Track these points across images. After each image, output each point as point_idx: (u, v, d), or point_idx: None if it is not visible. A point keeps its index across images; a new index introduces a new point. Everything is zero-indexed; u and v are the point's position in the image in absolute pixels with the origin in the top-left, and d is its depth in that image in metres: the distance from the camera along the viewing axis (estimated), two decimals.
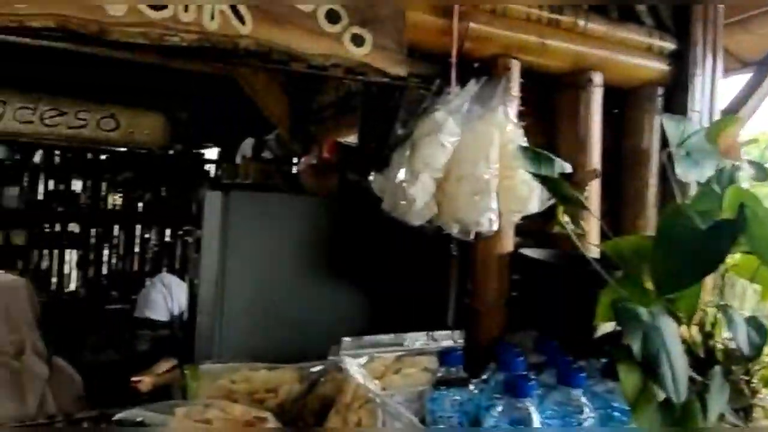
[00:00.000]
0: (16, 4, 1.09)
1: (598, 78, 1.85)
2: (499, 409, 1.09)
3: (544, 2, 1.73)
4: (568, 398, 1.15)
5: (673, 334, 1.07)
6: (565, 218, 1.39)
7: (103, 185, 5.81)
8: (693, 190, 1.53)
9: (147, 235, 6.00)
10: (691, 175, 1.36)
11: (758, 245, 1.08)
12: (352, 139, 2.89)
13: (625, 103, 2.01)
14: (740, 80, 2.29)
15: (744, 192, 1.16)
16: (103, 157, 5.69)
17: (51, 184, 5.67)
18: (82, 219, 5.70)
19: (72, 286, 5.78)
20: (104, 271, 5.86)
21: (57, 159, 5.63)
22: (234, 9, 1.31)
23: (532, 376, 1.17)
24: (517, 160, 1.46)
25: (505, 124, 1.56)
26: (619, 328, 1.15)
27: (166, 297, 3.59)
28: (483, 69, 1.69)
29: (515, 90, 1.70)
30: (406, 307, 1.76)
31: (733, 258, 1.28)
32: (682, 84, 1.97)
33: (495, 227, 1.52)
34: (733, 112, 2.13)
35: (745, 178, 1.37)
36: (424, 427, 1.17)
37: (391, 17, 1.50)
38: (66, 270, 5.79)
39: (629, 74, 1.95)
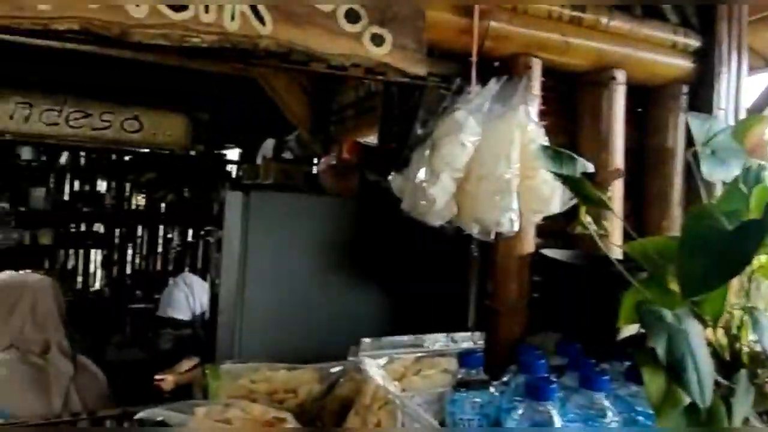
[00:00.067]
0: (40, 7, 1.11)
1: (621, 76, 1.82)
2: (520, 411, 1.08)
3: (567, 1, 1.71)
4: (591, 402, 1.13)
5: (698, 337, 1.04)
6: (587, 218, 1.37)
7: (127, 186, 5.90)
8: (719, 190, 1.50)
9: (170, 235, 6.08)
10: (717, 174, 1.33)
11: None
12: (372, 139, 2.89)
13: (648, 101, 1.98)
14: (764, 79, 2.25)
15: None
16: (126, 158, 5.77)
17: (76, 185, 5.77)
18: (107, 219, 5.80)
19: (97, 286, 5.87)
20: (128, 270, 5.95)
21: (82, 160, 5.73)
22: (254, 10, 1.32)
23: (554, 379, 1.15)
24: (538, 159, 1.44)
25: (526, 124, 1.54)
26: (643, 330, 1.12)
27: (188, 296, 3.63)
28: (503, 68, 1.68)
29: (536, 89, 1.68)
30: (425, 308, 1.75)
31: (760, 259, 1.25)
32: (707, 82, 1.93)
33: (516, 227, 1.50)
34: (757, 111, 2.09)
35: None
36: (444, 428, 1.16)
37: (411, 16, 1.49)
38: (91, 269, 5.89)
39: (653, 72, 1.91)
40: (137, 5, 1.19)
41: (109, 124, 4.80)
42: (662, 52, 1.89)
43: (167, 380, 3.03)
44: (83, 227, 5.79)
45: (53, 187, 5.59)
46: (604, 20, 1.76)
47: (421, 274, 1.83)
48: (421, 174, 1.49)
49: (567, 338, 1.46)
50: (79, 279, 5.78)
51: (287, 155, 3.86)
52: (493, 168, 1.48)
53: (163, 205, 5.94)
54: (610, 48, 1.79)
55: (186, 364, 3.15)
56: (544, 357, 1.27)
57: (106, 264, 5.88)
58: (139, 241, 6.01)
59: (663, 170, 1.94)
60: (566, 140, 1.78)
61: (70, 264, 5.78)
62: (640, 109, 1.98)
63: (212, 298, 2.51)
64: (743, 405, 1.08)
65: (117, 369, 2.75)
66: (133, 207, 6.04)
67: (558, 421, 1.05)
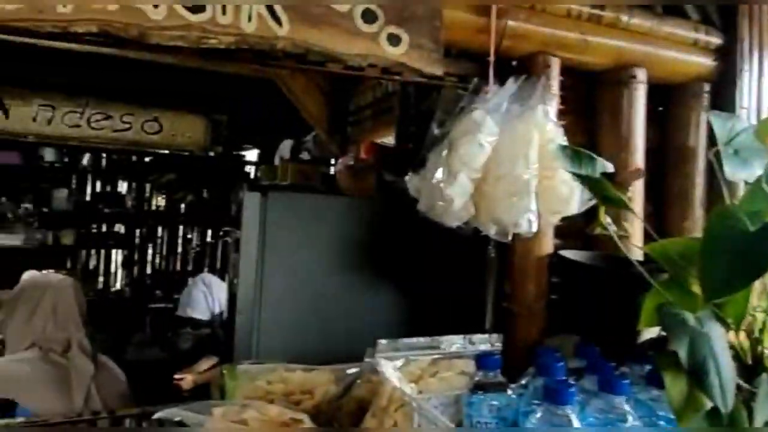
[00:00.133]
0: (60, 9, 1.12)
1: (641, 74, 1.79)
2: (538, 415, 1.06)
3: (587, 2, 1.69)
4: (611, 406, 1.11)
5: (720, 341, 1.02)
6: (606, 219, 1.35)
7: (147, 187, 5.96)
8: (741, 190, 1.47)
9: (189, 236, 6.14)
10: (740, 174, 1.31)
11: None
12: (389, 139, 2.89)
13: (669, 99, 1.95)
14: None
15: None
16: (147, 159, 5.84)
17: (98, 186, 5.85)
18: (128, 220, 5.87)
19: (118, 285, 5.95)
20: (148, 270, 6.01)
21: (104, 161, 5.81)
22: (271, 11, 1.32)
23: (573, 382, 1.14)
24: (557, 159, 1.42)
25: (545, 123, 1.53)
26: (664, 333, 1.11)
27: (207, 296, 3.65)
28: (521, 67, 1.66)
29: (555, 88, 1.66)
30: (442, 310, 1.74)
31: None
32: (729, 80, 1.90)
33: (534, 228, 1.49)
34: None
35: None
36: (461, 428, 1.15)
37: (428, 16, 1.49)
38: (112, 269, 5.97)
39: (674, 70, 1.88)
40: (155, 7, 1.20)
41: (129, 125, 4.86)
42: (683, 50, 1.86)
43: (186, 379, 3.06)
44: (104, 228, 5.87)
45: (75, 188, 5.67)
46: (624, 18, 1.74)
47: (438, 275, 1.82)
48: (439, 174, 1.48)
49: (586, 341, 1.44)
50: (101, 279, 5.86)
51: (305, 156, 3.87)
52: (511, 168, 1.47)
53: (182, 205, 6.00)
54: (630, 46, 1.76)
55: (205, 364, 3.18)
56: (562, 360, 1.25)
57: (126, 264, 5.95)
58: (159, 241, 6.08)
59: (684, 170, 1.91)
60: (585, 140, 1.76)
61: (92, 264, 5.86)
62: (661, 108, 1.95)
63: (230, 298, 2.53)
64: (765, 409, 1.06)
65: (137, 368, 2.78)
66: (154, 208, 6.11)
67: (577, 426, 1.04)
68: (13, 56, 3.32)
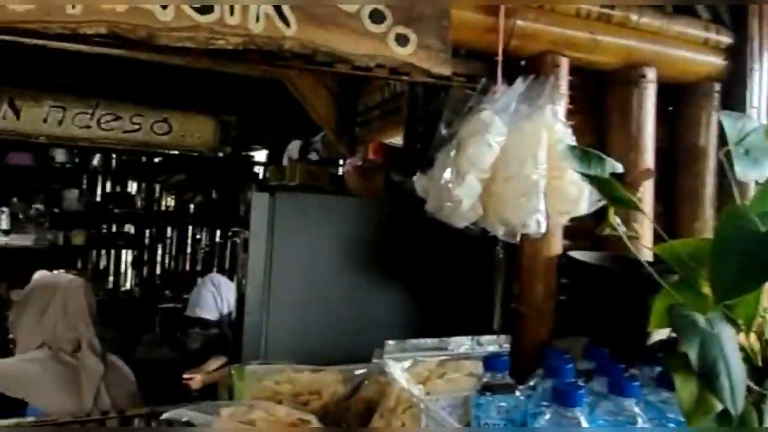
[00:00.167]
0: (69, 11, 1.12)
1: (651, 73, 1.78)
2: (547, 417, 1.06)
3: (596, 1, 1.68)
4: (621, 408, 1.10)
5: (731, 342, 1.01)
6: (616, 220, 1.34)
7: (157, 187, 6.00)
8: (752, 190, 1.46)
9: (198, 236, 6.17)
10: (751, 174, 1.29)
11: None
12: (398, 140, 2.89)
13: (680, 99, 1.94)
14: None
15: None
16: (156, 160, 5.87)
17: (108, 187, 5.89)
18: (137, 220, 5.90)
19: (127, 285, 5.98)
20: (158, 270, 6.04)
21: (114, 162, 5.85)
22: (279, 11, 1.32)
23: (582, 384, 1.13)
24: (566, 159, 1.41)
25: (554, 123, 1.52)
26: (674, 335, 1.10)
27: (216, 297, 3.66)
28: (530, 67, 1.66)
29: (564, 88, 1.65)
30: (451, 311, 1.74)
31: None
32: (739, 79, 1.89)
33: (543, 229, 1.48)
34: None
35: None
36: (468, 428, 1.14)
37: (436, 16, 1.48)
38: (122, 269, 6.00)
39: (684, 69, 1.87)
40: (163, 8, 1.21)
41: (139, 126, 4.89)
42: (693, 49, 1.85)
43: (195, 379, 3.07)
44: (114, 228, 5.91)
45: (86, 188, 5.71)
46: (633, 17, 1.73)
47: (447, 275, 1.81)
48: (447, 174, 1.47)
49: (595, 342, 1.43)
50: (111, 279, 5.90)
51: (313, 156, 3.87)
52: (519, 169, 1.46)
53: (191, 206, 6.03)
54: (640, 45, 1.75)
55: (214, 364, 3.19)
56: (571, 361, 1.24)
57: (136, 264, 5.98)
58: (168, 241, 6.11)
59: (695, 170, 1.90)
60: (595, 140, 1.75)
61: (102, 264, 5.90)
62: (671, 108, 1.94)
63: (239, 299, 2.53)
64: None
65: (146, 367, 2.79)
66: (163, 208, 6.14)
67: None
68: (25, 58, 3.35)
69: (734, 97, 1.89)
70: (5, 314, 3.76)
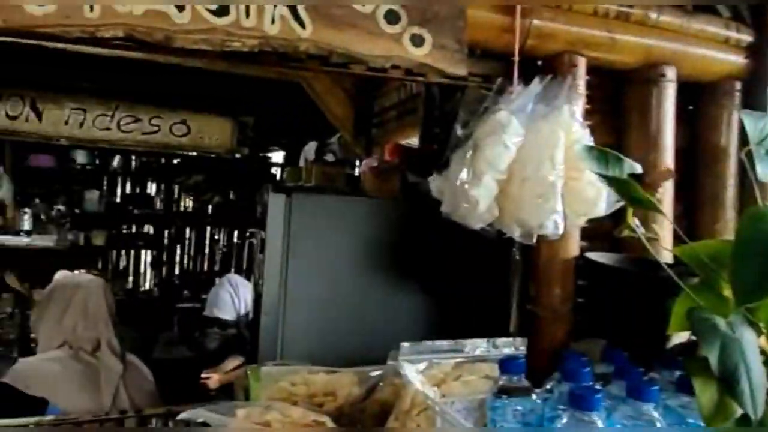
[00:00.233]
0: (87, 15, 1.14)
1: (671, 72, 1.76)
2: (564, 421, 1.04)
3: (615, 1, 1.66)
4: (639, 412, 1.08)
5: (752, 346, 0.99)
6: (635, 221, 1.32)
7: (176, 188, 6.05)
8: None
9: (216, 237, 6.21)
10: None
11: None
12: (414, 141, 2.88)
13: (700, 98, 1.91)
14: None
15: None
16: (175, 161, 5.92)
17: (128, 188, 5.96)
18: (157, 221, 5.96)
19: (147, 285, 6.04)
20: (176, 270, 6.10)
21: (133, 164, 5.92)
22: (294, 13, 1.32)
23: (599, 388, 1.12)
24: (583, 160, 1.40)
25: (571, 124, 1.51)
26: (694, 338, 1.08)
27: (233, 297, 3.68)
28: (547, 66, 1.64)
29: (581, 88, 1.64)
30: (466, 312, 1.73)
31: None
32: (761, 78, 1.86)
33: (560, 230, 1.47)
34: None
35: None
36: (482, 428, 1.13)
37: (452, 16, 1.48)
38: (141, 269, 6.07)
39: (705, 68, 1.84)
40: (180, 11, 1.21)
41: (158, 128, 4.94)
42: (714, 48, 1.82)
43: (213, 379, 3.09)
44: (134, 228, 5.98)
45: (106, 189, 5.79)
46: (653, 15, 1.70)
47: (462, 277, 1.81)
48: (463, 175, 1.46)
49: (613, 345, 1.41)
50: (130, 279, 5.96)
51: (329, 158, 3.88)
52: (536, 169, 1.45)
53: (210, 207, 6.08)
54: (659, 44, 1.73)
55: (231, 363, 3.20)
56: (589, 364, 1.23)
57: (155, 264, 6.04)
58: (187, 242, 6.17)
59: (716, 170, 1.87)
60: (613, 140, 1.73)
61: (122, 264, 5.97)
62: (691, 107, 1.91)
63: (256, 299, 2.55)
64: None
65: (165, 367, 2.81)
66: (182, 209, 6.20)
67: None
68: (47, 61, 3.40)
69: (756, 96, 1.86)
70: (27, 313, 3.83)
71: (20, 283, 4.22)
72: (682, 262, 1.18)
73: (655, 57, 1.74)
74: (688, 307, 1.07)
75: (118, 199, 5.90)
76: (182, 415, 1.10)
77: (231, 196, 6.00)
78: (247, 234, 4.75)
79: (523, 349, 1.26)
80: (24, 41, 1.18)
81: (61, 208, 5.34)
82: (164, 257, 6.04)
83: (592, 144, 1.48)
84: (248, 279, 3.89)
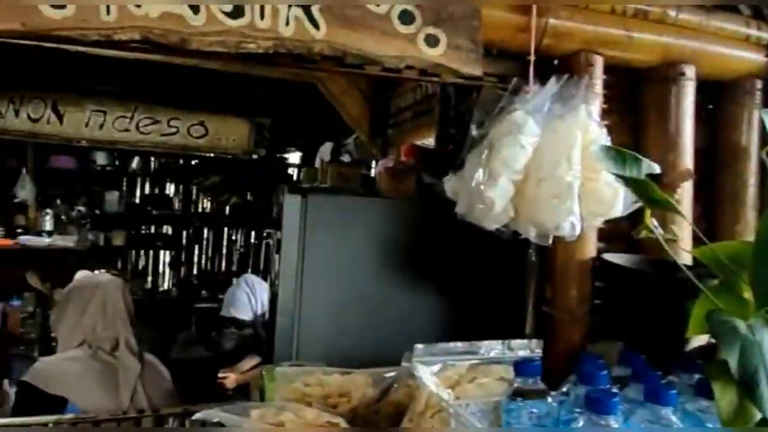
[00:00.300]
0: (104, 18, 1.15)
1: (690, 71, 1.73)
2: (580, 424, 1.03)
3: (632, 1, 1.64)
4: (657, 416, 1.07)
5: None
6: (653, 222, 1.30)
7: (194, 189, 6.11)
8: None
9: (234, 237, 6.25)
10: None
11: None
12: (430, 141, 2.87)
13: (720, 97, 1.88)
14: None
15: None
16: (193, 162, 5.98)
17: (147, 189, 6.03)
18: (175, 221, 6.02)
19: (165, 285, 6.10)
20: (195, 270, 6.15)
21: (152, 165, 5.98)
22: (308, 14, 1.33)
23: (616, 391, 1.10)
24: (600, 160, 1.38)
25: (588, 123, 1.49)
26: (713, 341, 1.06)
27: (250, 297, 3.70)
28: (563, 66, 1.63)
29: (598, 87, 1.62)
30: (482, 314, 1.72)
31: None
32: None
33: (577, 231, 1.45)
34: None
35: None
36: (497, 428, 1.12)
37: (466, 16, 1.47)
38: (160, 269, 6.13)
39: (724, 66, 1.81)
40: (195, 13, 1.22)
41: (176, 129, 4.99)
42: (734, 46, 1.79)
43: (230, 378, 3.11)
44: (153, 229, 6.04)
45: (125, 190, 5.86)
46: (672, 13, 1.68)
47: (478, 278, 1.80)
48: (479, 176, 1.46)
49: (631, 348, 1.40)
50: (149, 279, 6.03)
51: (345, 158, 3.88)
52: (553, 170, 1.44)
53: (227, 207, 6.12)
54: (678, 42, 1.70)
55: (248, 363, 3.22)
56: (606, 367, 1.21)
57: (174, 264, 6.10)
58: (205, 242, 6.22)
59: (736, 170, 1.84)
60: (630, 140, 1.71)
61: (141, 264, 6.04)
62: (710, 106, 1.88)
63: (272, 299, 2.56)
64: None
65: (182, 366, 2.84)
66: (200, 210, 6.25)
67: None
68: (68, 64, 3.45)
69: None
70: (48, 313, 3.89)
71: (42, 283, 4.29)
72: (701, 264, 1.16)
73: (673, 55, 1.72)
74: (708, 309, 1.05)
75: (137, 200, 5.97)
76: (197, 416, 1.11)
77: (248, 197, 6.04)
78: (264, 234, 4.78)
79: (538, 352, 1.25)
80: (43, 44, 1.20)
81: (82, 208, 5.41)
82: (182, 257, 6.09)
83: (609, 144, 1.47)
84: (265, 279, 3.92)
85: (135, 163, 5.83)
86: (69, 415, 1.78)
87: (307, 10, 1.32)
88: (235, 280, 4.02)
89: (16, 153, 5.09)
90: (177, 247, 6.09)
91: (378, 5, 1.38)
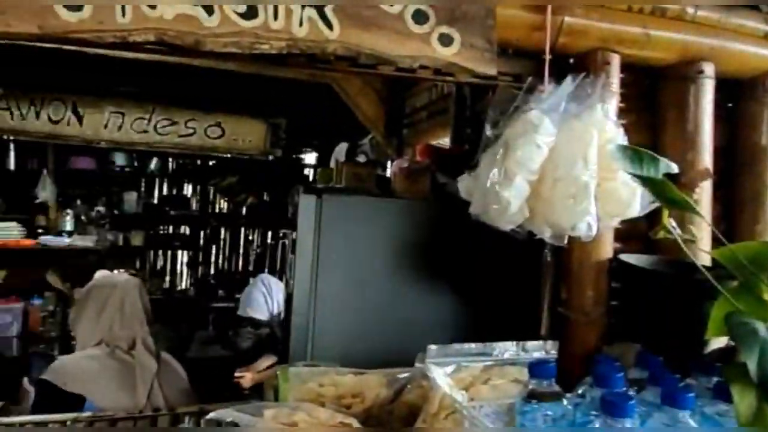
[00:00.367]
0: (119, 20, 1.16)
1: (709, 69, 1.70)
2: (596, 427, 1.02)
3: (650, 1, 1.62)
4: (675, 420, 1.05)
5: None
6: (671, 222, 1.29)
7: (211, 190, 6.16)
8: None
9: (250, 237, 6.30)
10: None
11: None
12: (445, 141, 2.86)
13: (739, 95, 1.85)
14: None
15: None
16: (210, 163, 6.02)
17: (165, 189, 6.09)
18: (193, 222, 6.07)
19: (183, 285, 6.16)
20: (212, 270, 6.20)
21: (170, 166, 6.04)
22: (322, 14, 1.33)
23: (633, 394, 1.09)
24: (617, 160, 1.37)
25: (605, 123, 1.47)
26: (732, 343, 1.04)
27: (266, 297, 3.72)
28: (579, 64, 1.61)
29: (615, 85, 1.60)
30: (496, 315, 1.71)
31: None
32: None
33: (593, 232, 1.43)
34: None
35: None
36: (512, 428, 1.11)
37: (481, 15, 1.46)
38: (178, 269, 6.19)
39: (744, 64, 1.78)
40: (209, 14, 1.23)
41: (193, 131, 5.04)
42: (754, 43, 1.76)
43: (246, 377, 3.13)
44: (171, 229, 6.10)
45: (144, 191, 5.92)
46: (690, 10, 1.65)
47: (493, 278, 1.79)
48: (494, 176, 1.44)
49: (648, 350, 1.38)
50: (167, 278, 6.09)
51: (361, 159, 3.89)
52: (569, 170, 1.42)
53: (244, 208, 6.16)
54: (696, 40, 1.68)
55: (264, 363, 3.24)
56: (622, 370, 1.20)
57: (191, 264, 6.16)
58: (222, 242, 6.27)
59: (756, 170, 1.81)
60: (648, 139, 1.69)
61: (159, 264, 6.10)
62: (730, 104, 1.85)
63: (288, 299, 2.57)
64: None
65: (199, 365, 2.86)
66: (217, 210, 6.30)
67: None
68: (87, 67, 3.50)
69: None
70: (68, 312, 3.94)
71: (62, 282, 4.35)
72: (720, 265, 1.14)
73: (692, 53, 1.69)
74: (727, 311, 1.04)
75: (155, 201, 6.04)
76: (211, 415, 1.12)
77: (265, 197, 6.08)
78: (280, 234, 4.80)
79: (553, 353, 1.24)
80: (60, 47, 1.22)
81: (101, 209, 5.49)
82: (200, 257, 6.15)
83: (626, 143, 1.45)
84: (281, 279, 3.94)
85: (153, 164, 5.89)
86: (86, 414, 1.81)
87: (320, 10, 1.32)
88: (251, 280, 4.04)
89: (37, 154, 5.17)
90: (194, 247, 6.14)
91: (391, 5, 1.38)
